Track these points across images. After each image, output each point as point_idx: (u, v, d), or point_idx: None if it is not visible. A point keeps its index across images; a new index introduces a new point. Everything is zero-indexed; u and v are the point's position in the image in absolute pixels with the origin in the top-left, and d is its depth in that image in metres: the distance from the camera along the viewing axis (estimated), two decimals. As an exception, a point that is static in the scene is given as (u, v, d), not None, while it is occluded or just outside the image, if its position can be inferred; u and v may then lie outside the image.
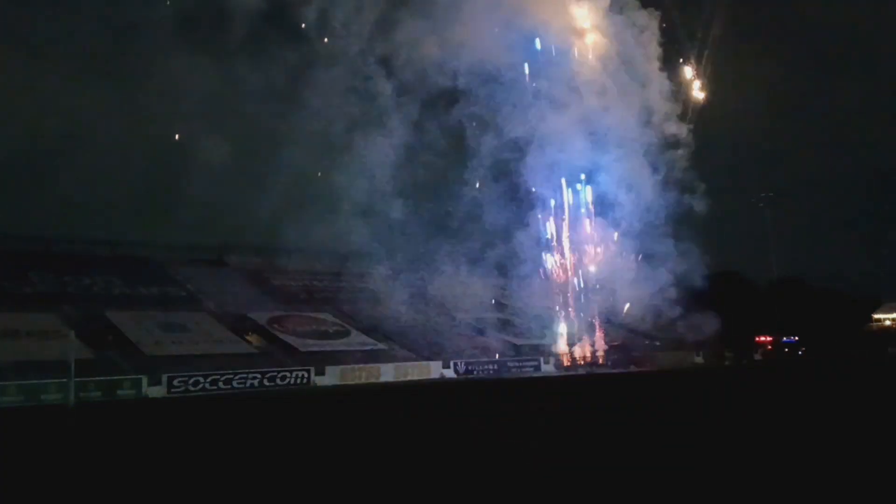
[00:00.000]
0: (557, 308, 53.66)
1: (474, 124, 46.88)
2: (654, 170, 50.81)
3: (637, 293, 51.93)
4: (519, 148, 49.04)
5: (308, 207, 45.35)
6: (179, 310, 47.19)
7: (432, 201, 48.44)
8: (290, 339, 45.91)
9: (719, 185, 62.57)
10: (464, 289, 53.09)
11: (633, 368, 48.67)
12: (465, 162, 47.75)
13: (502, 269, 53.05)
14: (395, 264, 48.89)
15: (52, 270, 47.90)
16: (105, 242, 53.73)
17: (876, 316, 66.37)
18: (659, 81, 50.88)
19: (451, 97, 46.62)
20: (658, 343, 56.40)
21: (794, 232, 62.98)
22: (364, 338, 48.50)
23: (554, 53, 50.78)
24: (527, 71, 49.49)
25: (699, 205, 49.92)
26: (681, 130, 50.79)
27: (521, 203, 51.45)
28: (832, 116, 61.57)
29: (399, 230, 45.66)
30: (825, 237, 63.64)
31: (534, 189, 51.76)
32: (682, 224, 51.19)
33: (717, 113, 55.23)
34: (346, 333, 49.01)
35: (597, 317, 54.13)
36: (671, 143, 51.23)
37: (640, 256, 51.45)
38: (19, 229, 49.53)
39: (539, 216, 52.54)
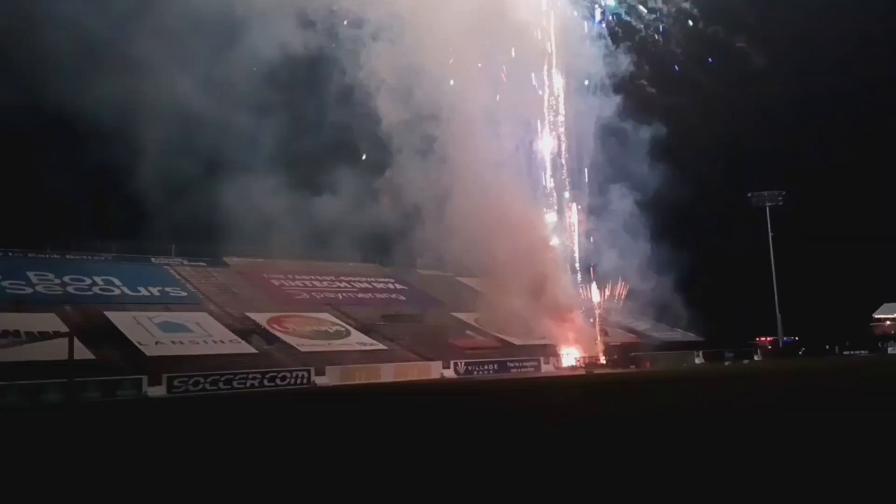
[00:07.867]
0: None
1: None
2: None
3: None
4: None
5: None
6: (179, 310, 47.26)
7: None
8: (290, 339, 45.95)
9: (717, 183, 62.15)
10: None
11: (632, 368, 48.67)
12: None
13: None
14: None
15: (52, 270, 47.96)
16: (105, 243, 53.77)
17: (876, 316, 66.23)
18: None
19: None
20: (657, 343, 56.47)
21: (794, 229, 62.71)
22: (364, 338, 48.53)
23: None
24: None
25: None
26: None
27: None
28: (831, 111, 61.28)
29: None
30: (825, 235, 63.32)
31: None
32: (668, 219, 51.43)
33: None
34: (346, 333, 49.05)
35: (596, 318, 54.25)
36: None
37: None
38: (19, 229, 49.59)
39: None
